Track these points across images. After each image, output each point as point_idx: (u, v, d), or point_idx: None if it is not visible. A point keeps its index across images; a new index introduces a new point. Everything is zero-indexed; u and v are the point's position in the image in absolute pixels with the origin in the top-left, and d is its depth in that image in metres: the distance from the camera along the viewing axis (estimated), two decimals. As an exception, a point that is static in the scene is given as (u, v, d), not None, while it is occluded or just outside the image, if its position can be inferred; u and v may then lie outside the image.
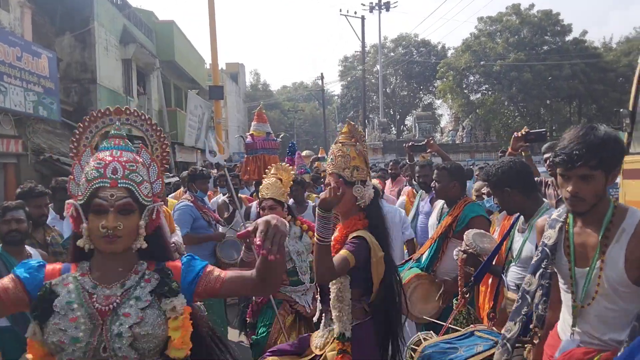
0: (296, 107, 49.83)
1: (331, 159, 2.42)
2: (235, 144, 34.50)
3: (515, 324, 2.02)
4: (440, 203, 3.88)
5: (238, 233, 1.57)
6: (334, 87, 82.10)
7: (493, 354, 2.31)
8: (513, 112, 31.68)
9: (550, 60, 28.14)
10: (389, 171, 7.40)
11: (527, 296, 2.00)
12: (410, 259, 3.85)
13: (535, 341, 2.04)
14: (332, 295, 2.35)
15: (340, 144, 2.44)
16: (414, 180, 5.09)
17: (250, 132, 5.20)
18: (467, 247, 3.08)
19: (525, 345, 2.18)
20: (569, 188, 1.78)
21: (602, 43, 30.62)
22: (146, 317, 1.48)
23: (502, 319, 2.79)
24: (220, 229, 5.32)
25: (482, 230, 3.27)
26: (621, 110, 4.83)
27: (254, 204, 5.17)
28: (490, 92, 31.03)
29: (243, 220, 4.62)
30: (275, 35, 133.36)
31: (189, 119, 18.59)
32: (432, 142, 4.88)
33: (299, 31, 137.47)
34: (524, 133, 3.48)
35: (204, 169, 6.01)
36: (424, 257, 3.66)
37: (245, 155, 5.18)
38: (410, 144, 5.21)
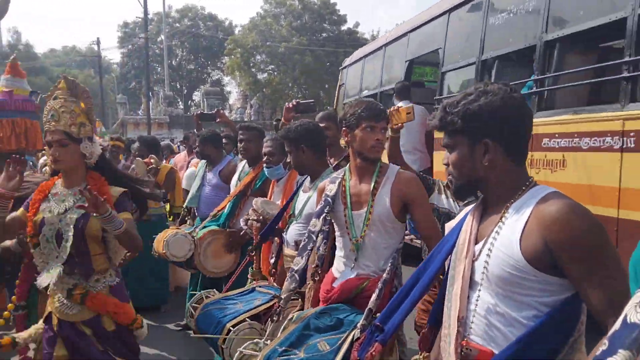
0: (67, 73, 44.20)
1: (52, 115, 2.27)
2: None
3: (302, 258, 2.35)
4: (242, 164, 4.02)
5: None
6: (113, 54, 75.33)
7: (270, 306, 2.55)
8: (297, 93, 33.65)
9: (328, 47, 30.59)
10: (188, 142, 7.38)
11: (312, 235, 2.35)
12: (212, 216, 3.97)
13: (316, 278, 2.39)
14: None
15: (63, 100, 2.30)
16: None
17: (6, 89, 4.10)
18: (259, 215, 3.16)
19: (308, 282, 2.45)
20: (377, 136, 2.27)
21: (371, 35, 34.39)
22: None
23: (282, 275, 2.99)
24: None
25: (266, 198, 3.42)
26: (328, 107, 5.64)
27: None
28: (276, 73, 32.32)
29: None
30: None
31: None
32: (221, 112, 4.88)
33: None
34: (294, 104, 3.78)
35: None
36: (223, 214, 3.84)
37: None
38: (199, 112, 5.10)
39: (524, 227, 1.27)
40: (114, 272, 2.41)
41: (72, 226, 2.26)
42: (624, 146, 3.20)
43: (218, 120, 4.80)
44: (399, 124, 2.75)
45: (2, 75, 4.33)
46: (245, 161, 4.01)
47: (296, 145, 2.83)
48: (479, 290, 1.37)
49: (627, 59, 3.30)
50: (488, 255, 1.34)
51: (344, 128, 2.34)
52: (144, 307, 4.90)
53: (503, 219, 1.34)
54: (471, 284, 1.39)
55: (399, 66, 6.84)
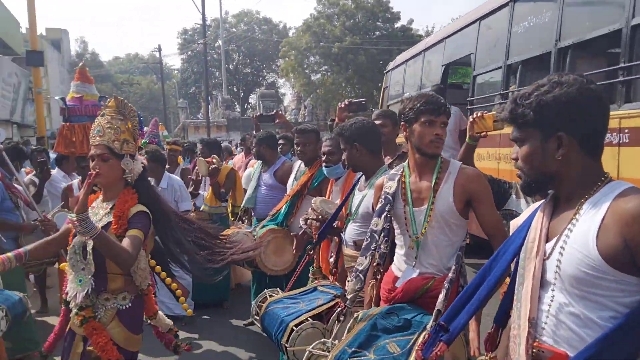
0: (131, 80, 46.30)
1: (97, 130, 2.34)
2: (60, 117, 30.89)
3: (365, 258, 2.33)
4: (298, 163, 4.08)
5: None
6: (174, 60, 78.16)
7: (332, 305, 2.58)
8: (350, 93, 33.63)
9: (381, 45, 30.32)
10: (246, 144, 7.63)
11: (375, 235, 2.33)
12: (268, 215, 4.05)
13: (379, 276, 2.36)
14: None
15: (110, 117, 2.36)
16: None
17: (77, 95, 4.34)
18: (319, 214, 3.16)
19: (370, 282, 2.42)
20: (436, 131, 2.19)
21: (426, 32, 33.85)
22: None
23: (342, 274, 3.00)
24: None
25: (324, 198, 3.44)
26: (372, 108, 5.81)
27: (76, 182, 4.60)
28: (329, 73, 32.42)
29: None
30: (105, 1, 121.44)
31: (1, 88, 16.14)
32: (280, 113, 4.96)
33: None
34: (347, 103, 3.80)
35: (20, 144, 5.12)
36: (280, 213, 3.91)
37: (65, 123, 4.37)
38: (258, 114, 5.21)
39: (601, 224, 1.21)
40: (129, 296, 2.31)
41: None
42: (621, 141, 3.68)
43: (277, 121, 4.88)
44: (483, 132, 2.52)
45: (72, 82, 4.58)
46: (301, 161, 4.05)
47: (350, 143, 2.84)
48: (552, 290, 1.32)
49: (622, 64, 3.77)
50: (561, 253, 1.29)
51: (402, 122, 2.29)
52: (207, 303, 5.12)
53: (577, 215, 1.29)
54: (542, 284, 1.34)
55: (437, 69, 7.47)
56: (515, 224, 1.56)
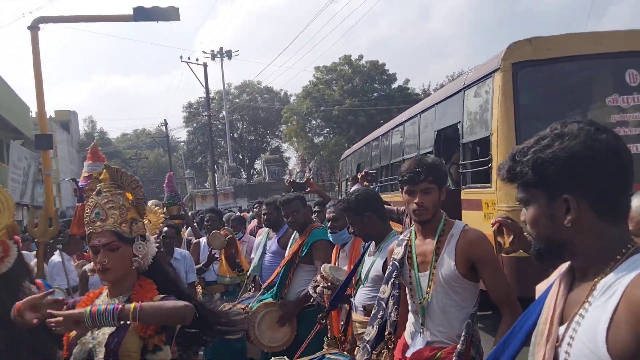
0: (139, 155, 47.29)
1: (97, 213, 1.86)
2: (69, 197, 31.30)
3: (373, 327, 2.29)
4: (294, 233, 4.02)
5: None
6: (180, 133, 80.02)
7: None
8: (353, 152, 34.06)
9: (380, 105, 31.09)
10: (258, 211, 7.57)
11: (382, 302, 2.30)
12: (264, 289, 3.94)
13: (390, 346, 2.30)
14: None
15: (109, 194, 1.90)
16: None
17: (85, 174, 4.36)
18: (330, 283, 3.10)
19: (382, 351, 2.34)
20: (416, 200, 2.17)
21: (422, 90, 34.72)
22: None
23: (352, 342, 2.93)
24: None
25: (332, 264, 3.39)
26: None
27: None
28: (331, 135, 33.08)
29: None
30: (111, 82, 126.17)
31: (11, 172, 16.48)
32: (311, 180, 4.90)
33: (138, 78, 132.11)
34: (364, 174, 4.04)
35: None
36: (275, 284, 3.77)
37: (78, 204, 4.34)
38: (291, 180, 5.19)
39: (613, 315, 0.97)
40: None
41: (103, 345, 1.78)
42: (462, 207, 5.49)
43: (308, 190, 4.83)
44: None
45: (85, 162, 4.65)
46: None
47: (360, 213, 2.82)
48: None
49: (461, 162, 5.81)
50: (569, 344, 1.05)
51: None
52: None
53: (590, 297, 1.04)
54: None
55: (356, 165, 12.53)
56: (540, 289, 1.30)
